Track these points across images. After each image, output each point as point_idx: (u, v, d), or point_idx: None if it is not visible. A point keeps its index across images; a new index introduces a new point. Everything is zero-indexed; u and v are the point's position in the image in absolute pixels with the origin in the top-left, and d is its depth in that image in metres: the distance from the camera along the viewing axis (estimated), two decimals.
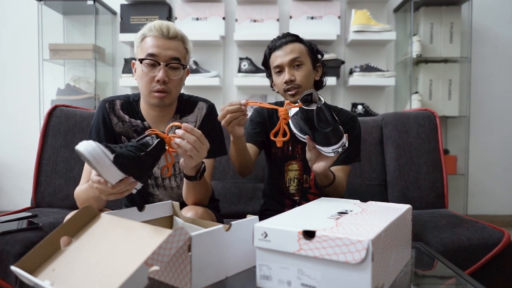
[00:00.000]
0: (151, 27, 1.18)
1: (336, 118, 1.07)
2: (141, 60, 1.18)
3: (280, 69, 1.35)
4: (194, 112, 1.31)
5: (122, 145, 0.89)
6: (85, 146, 0.81)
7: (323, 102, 1.05)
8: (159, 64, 1.17)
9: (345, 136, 1.07)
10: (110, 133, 1.26)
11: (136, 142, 0.92)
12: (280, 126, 1.11)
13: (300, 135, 1.13)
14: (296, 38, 1.38)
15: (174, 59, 1.19)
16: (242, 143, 1.24)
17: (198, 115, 1.31)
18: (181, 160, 1.06)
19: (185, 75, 1.26)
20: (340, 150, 1.08)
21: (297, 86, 1.33)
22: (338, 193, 1.31)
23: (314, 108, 1.03)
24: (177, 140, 0.97)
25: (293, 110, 1.11)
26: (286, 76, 1.32)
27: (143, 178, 0.93)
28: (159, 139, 0.94)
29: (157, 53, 1.17)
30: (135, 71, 1.26)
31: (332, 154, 1.09)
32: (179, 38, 1.21)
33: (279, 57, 1.34)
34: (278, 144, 1.13)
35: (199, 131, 0.99)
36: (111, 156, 0.83)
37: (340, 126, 1.07)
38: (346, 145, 1.08)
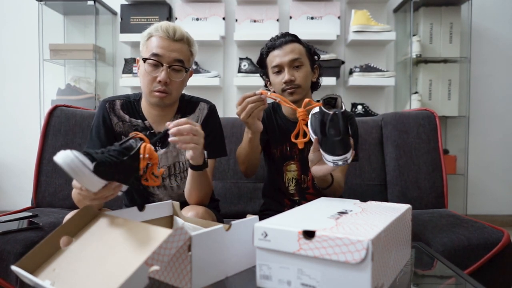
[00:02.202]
0: (158, 28, 1.19)
1: (349, 131, 1.02)
2: (144, 60, 1.19)
3: (280, 68, 1.34)
4: (195, 113, 1.32)
5: (105, 149, 0.87)
6: (63, 158, 0.78)
7: (342, 110, 1.01)
8: (162, 65, 1.18)
9: (351, 152, 1.02)
10: (110, 133, 1.27)
11: (120, 146, 0.89)
12: (299, 127, 1.08)
13: (313, 134, 1.11)
14: (295, 38, 1.37)
15: (178, 61, 1.20)
16: (258, 139, 1.24)
17: (199, 115, 1.32)
18: (187, 153, 1.07)
19: (187, 77, 1.27)
20: (340, 163, 1.03)
21: (297, 86, 1.33)
22: (336, 194, 1.31)
23: (331, 113, 1.00)
24: (174, 138, 0.98)
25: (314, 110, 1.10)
26: (286, 76, 1.32)
27: (129, 181, 0.90)
28: (142, 141, 0.91)
29: (161, 54, 1.18)
30: (138, 68, 1.27)
31: (331, 164, 1.04)
32: (185, 41, 1.22)
33: (278, 56, 1.34)
34: (300, 146, 1.09)
35: (184, 119, 1.00)
36: (91, 166, 0.79)
37: (351, 141, 1.03)
38: (349, 161, 1.03)
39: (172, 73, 1.20)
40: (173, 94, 1.22)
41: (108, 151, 0.86)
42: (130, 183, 0.92)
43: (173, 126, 0.99)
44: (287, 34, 1.38)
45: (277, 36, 1.39)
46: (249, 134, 1.22)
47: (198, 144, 1.03)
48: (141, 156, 0.89)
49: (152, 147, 0.91)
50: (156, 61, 1.18)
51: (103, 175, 0.82)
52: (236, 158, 1.40)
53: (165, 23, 1.20)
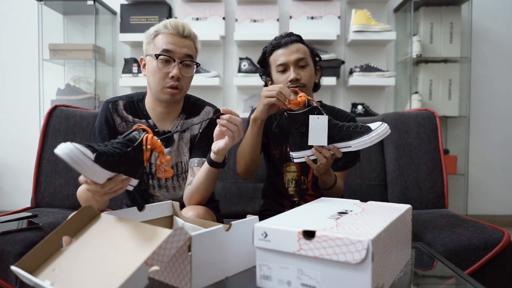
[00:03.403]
0: (167, 25, 1.20)
1: (299, 132, 1.13)
2: (157, 56, 1.19)
3: (285, 67, 1.34)
4: (200, 115, 1.32)
5: (108, 142, 0.88)
6: (63, 149, 0.77)
7: (306, 108, 1.13)
8: (174, 61, 1.19)
9: (299, 153, 1.15)
10: (114, 133, 1.26)
11: (123, 138, 0.90)
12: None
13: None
14: (300, 39, 1.38)
15: (188, 56, 1.21)
16: (261, 130, 1.30)
17: (204, 118, 1.32)
18: (218, 143, 1.08)
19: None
20: (291, 154, 1.17)
21: (302, 86, 1.33)
22: (335, 196, 1.32)
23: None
24: (223, 122, 1.03)
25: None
26: (292, 74, 1.32)
27: (137, 174, 0.91)
28: (145, 132, 0.91)
29: (172, 50, 1.19)
30: (143, 67, 1.27)
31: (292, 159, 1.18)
32: (192, 37, 1.24)
33: (284, 55, 1.34)
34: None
35: (237, 114, 1.06)
36: (92, 156, 0.79)
37: (306, 147, 1.14)
38: (294, 160, 1.17)
39: (183, 68, 1.21)
40: (183, 90, 1.24)
41: (112, 143, 0.87)
42: (139, 177, 0.92)
43: (227, 112, 1.03)
44: (292, 34, 1.38)
45: (281, 35, 1.39)
46: (259, 114, 1.26)
47: (235, 139, 1.06)
48: (144, 147, 0.89)
49: (155, 137, 0.91)
50: (168, 57, 1.19)
51: (107, 166, 0.82)
52: (237, 157, 1.39)
53: (173, 21, 1.21)
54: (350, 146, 1.12)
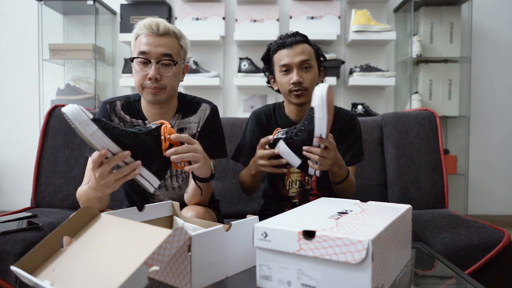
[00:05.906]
0: (141, 26, 1.19)
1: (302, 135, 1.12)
2: (132, 59, 1.19)
3: (288, 68, 1.32)
4: (197, 113, 1.31)
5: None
6: (69, 107, 0.84)
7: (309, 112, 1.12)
8: (150, 62, 1.18)
9: (312, 170, 1.15)
10: None
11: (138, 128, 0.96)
12: None
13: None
14: (305, 39, 1.36)
15: (165, 55, 1.19)
16: (261, 176, 1.34)
17: (201, 116, 1.31)
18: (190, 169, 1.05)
19: (180, 71, 1.26)
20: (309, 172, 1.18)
21: (304, 89, 1.32)
22: (349, 192, 1.34)
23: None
24: (174, 157, 0.97)
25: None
26: (294, 77, 1.30)
27: (153, 166, 0.92)
28: (160, 125, 0.95)
29: (147, 51, 1.17)
30: None
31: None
32: (171, 34, 1.21)
33: (288, 56, 1.32)
34: None
35: (182, 135, 1.01)
36: (91, 116, 0.85)
37: (302, 155, 1.13)
38: (310, 173, 1.17)
39: (161, 68, 1.19)
40: (167, 89, 1.21)
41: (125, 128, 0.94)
42: (159, 174, 0.95)
43: (171, 154, 0.98)
44: (297, 34, 1.36)
45: (287, 34, 1.37)
46: (253, 171, 1.29)
47: (200, 161, 1.03)
48: (162, 137, 0.93)
49: (173, 128, 0.97)
50: (143, 59, 1.18)
51: (107, 132, 0.86)
52: (239, 181, 1.45)
53: (148, 20, 1.19)
54: (320, 135, 1.08)
